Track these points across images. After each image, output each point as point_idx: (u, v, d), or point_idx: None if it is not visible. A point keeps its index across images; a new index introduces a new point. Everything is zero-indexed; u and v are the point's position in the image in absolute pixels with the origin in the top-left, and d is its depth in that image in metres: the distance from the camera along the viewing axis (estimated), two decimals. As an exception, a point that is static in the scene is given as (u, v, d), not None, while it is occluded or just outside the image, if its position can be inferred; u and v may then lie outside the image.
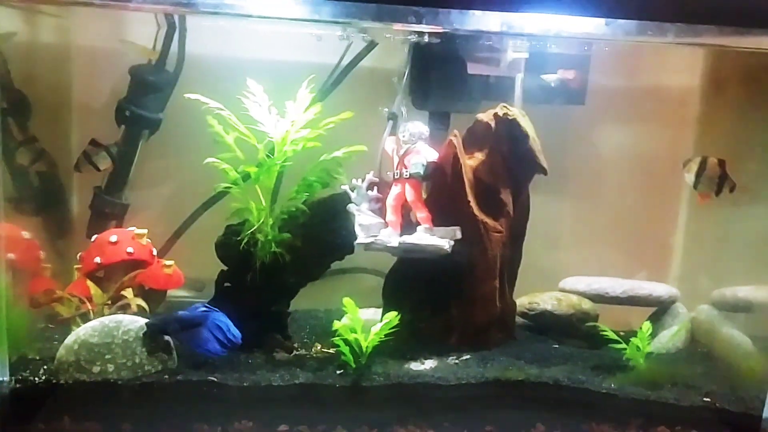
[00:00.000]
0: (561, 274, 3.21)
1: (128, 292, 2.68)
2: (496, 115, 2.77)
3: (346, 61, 3.08)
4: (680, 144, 3.33)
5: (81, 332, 2.39)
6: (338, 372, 2.47)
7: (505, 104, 2.79)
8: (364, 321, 2.46)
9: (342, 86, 3.07)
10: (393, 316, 2.46)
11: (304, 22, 2.43)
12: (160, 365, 2.41)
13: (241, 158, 2.55)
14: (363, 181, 2.69)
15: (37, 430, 2.29)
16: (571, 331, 2.98)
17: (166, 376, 2.37)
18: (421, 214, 2.63)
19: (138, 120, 3.05)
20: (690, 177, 2.93)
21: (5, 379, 2.32)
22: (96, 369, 2.33)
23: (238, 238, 2.60)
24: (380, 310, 2.76)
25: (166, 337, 2.46)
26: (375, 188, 2.70)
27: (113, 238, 2.84)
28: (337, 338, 2.45)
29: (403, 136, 2.64)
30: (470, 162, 2.78)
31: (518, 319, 3.02)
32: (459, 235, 2.65)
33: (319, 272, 2.77)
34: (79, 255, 2.86)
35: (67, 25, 3.14)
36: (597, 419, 2.46)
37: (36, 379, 2.34)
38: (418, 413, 2.41)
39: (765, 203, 2.96)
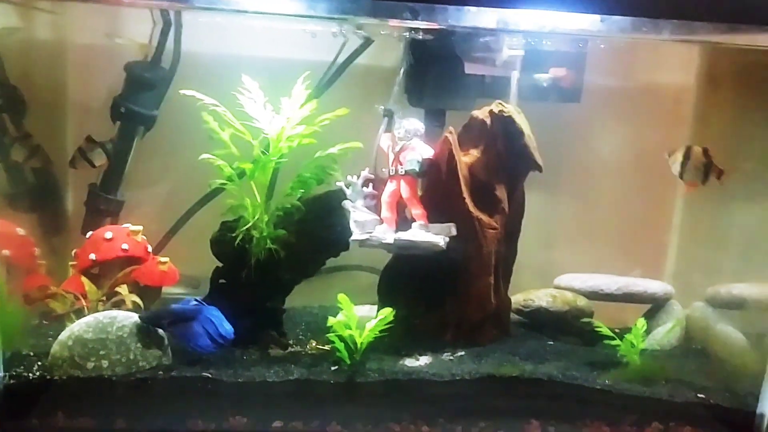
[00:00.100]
0: (556, 271, 3.22)
1: (123, 289, 2.68)
2: (491, 112, 2.77)
3: (341, 59, 3.08)
4: (675, 141, 3.32)
5: (75, 328, 2.38)
6: (333, 368, 2.47)
7: (500, 101, 2.79)
8: (359, 318, 2.47)
9: (338, 83, 3.07)
10: (388, 313, 2.46)
11: (300, 18, 2.42)
12: (154, 361, 2.41)
13: (236, 155, 2.55)
14: (358, 177, 2.69)
15: (32, 426, 2.30)
16: (566, 327, 2.98)
17: (161, 372, 2.37)
18: (417, 210, 2.63)
19: (133, 117, 3.04)
20: (676, 167, 2.93)
21: (-1, 375, 2.32)
22: (90, 365, 2.33)
23: (233, 235, 2.60)
24: (375, 307, 2.76)
25: (160, 332, 2.46)
26: (370, 185, 2.70)
27: (108, 235, 2.83)
28: (331, 334, 2.45)
29: (399, 133, 2.65)
30: (465, 159, 2.79)
31: (513, 316, 3.03)
32: (454, 232, 2.65)
33: (315, 269, 2.77)
34: (74, 252, 2.86)
35: (63, 22, 3.14)
36: (591, 415, 2.47)
37: (30, 375, 2.33)
38: (413, 409, 2.42)
39: (760, 201, 2.97)
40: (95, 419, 2.32)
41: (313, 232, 2.68)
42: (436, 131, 2.84)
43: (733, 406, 2.49)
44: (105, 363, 2.33)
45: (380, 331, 2.46)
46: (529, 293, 3.08)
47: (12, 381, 2.31)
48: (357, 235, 2.60)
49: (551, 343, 2.91)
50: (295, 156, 2.63)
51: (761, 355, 2.55)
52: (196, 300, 2.51)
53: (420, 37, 2.74)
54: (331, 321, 2.43)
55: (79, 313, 2.58)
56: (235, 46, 3.07)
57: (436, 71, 2.93)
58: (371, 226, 2.62)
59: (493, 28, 2.39)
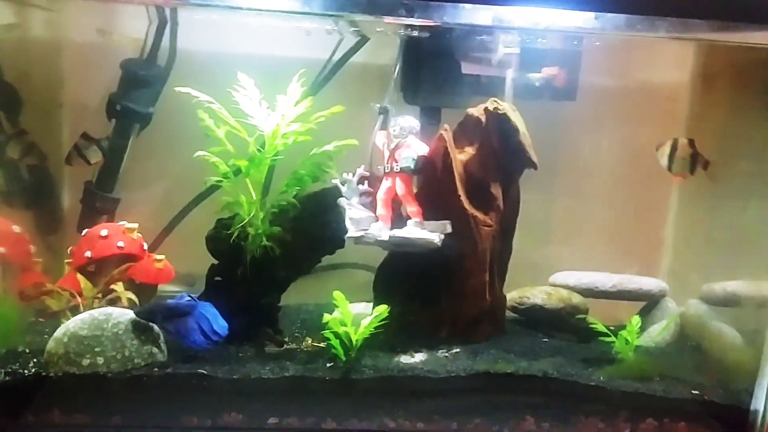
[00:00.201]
0: (551, 269, 3.22)
1: (118, 286, 2.68)
2: (486, 109, 2.77)
3: (337, 56, 3.08)
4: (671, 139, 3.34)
5: (71, 325, 2.38)
6: (328, 365, 2.47)
7: (495, 99, 2.79)
8: (355, 315, 2.47)
9: (333, 81, 3.07)
10: (383, 310, 2.47)
11: (295, 14, 2.43)
12: (149, 358, 2.41)
13: (231, 152, 2.55)
14: (354, 175, 2.69)
15: (27, 423, 2.30)
16: (560, 324, 2.98)
17: (156, 369, 2.37)
18: (412, 208, 2.64)
19: (129, 114, 3.04)
20: (664, 160, 2.98)
21: (-5, 371, 2.32)
22: (86, 362, 2.32)
23: (229, 232, 2.60)
24: (371, 305, 2.76)
25: (155, 329, 2.46)
26: (366, 182, 2.71)
27: (104, 233, 2.83)
28: (327, 331, 2.45)
29: (394, 130, 2.65)
30: (461, 156, 2.79)
31: (508, 314, 3.03)
32: (449, 229, 2.66)
33: (310, 266, 2.78)
34: (69, 249, 2.86)
35: (58, 19, 3.13)
36: (586, 411, 2.47)
37: (26, 371, 2.33)
38: (408, 406, 2.42)
39: (753, 198, 2.98)
40: (91, 416, 2.32)
41: (309, 229, 2.68)
42: (432, 129, 2.85)
43: (727, 402, 2.50)
44: (100, 360, 2.33)
45: (375, 328, 2.47)
46: (524, 290, 3.08)
47: (7, 378, 2.30)
48: (352, 232, 2.60)
49: (546, 340, 2.92)
50: (291, 153, 2.63)
51: (755, 352, 2.55)
52: (189, 296, 2.51)
53: (415, 34, 2.75)
54: (327, 318, 2.44)
55: (75, 311, 2.58)
56: (231, 44, 3.07)
57: (431, 69, 2.94)
58: (366, 223, 2.63)
59: (489, 25, 2.39)
